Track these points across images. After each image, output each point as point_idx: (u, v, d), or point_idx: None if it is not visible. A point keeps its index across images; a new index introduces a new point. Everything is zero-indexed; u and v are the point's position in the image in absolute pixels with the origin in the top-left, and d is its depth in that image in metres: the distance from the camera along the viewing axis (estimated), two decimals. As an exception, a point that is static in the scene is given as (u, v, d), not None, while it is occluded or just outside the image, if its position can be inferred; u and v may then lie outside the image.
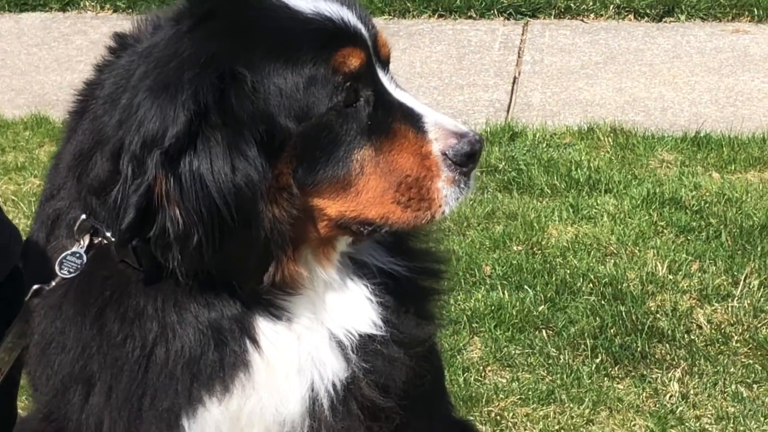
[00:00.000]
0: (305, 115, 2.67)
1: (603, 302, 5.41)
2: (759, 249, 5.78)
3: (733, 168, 6.72)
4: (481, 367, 5.04)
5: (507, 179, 6.60)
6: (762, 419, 4.71)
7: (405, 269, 2.97)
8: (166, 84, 2.61)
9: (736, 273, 5.61)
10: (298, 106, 2.67)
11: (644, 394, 4.88)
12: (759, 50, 8.53)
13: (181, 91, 2.59)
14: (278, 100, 2.66)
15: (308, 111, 2.67)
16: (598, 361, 5.04)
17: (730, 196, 6.30)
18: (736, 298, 5.43)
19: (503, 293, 5.44)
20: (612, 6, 9.08)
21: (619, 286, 5.51)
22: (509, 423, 4.74)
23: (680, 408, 4.79)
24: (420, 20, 9.19)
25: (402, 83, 2.88)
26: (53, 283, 2.85)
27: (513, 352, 5.12)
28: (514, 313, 5.31)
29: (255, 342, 2.78)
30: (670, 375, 4.97)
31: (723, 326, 5.26)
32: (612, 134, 7.14)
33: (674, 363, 5.04)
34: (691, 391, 4.89)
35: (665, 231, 6.04)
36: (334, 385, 2.82)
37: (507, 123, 7.35)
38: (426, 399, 3.12)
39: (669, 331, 5.21)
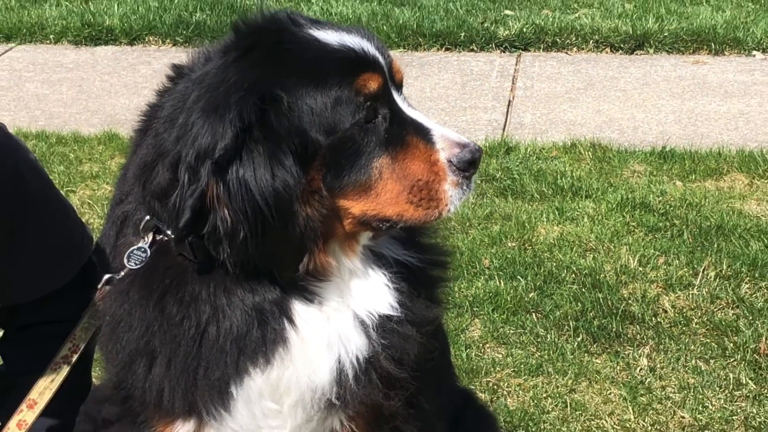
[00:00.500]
0: (332, 129, 2.68)
1: (583, 290, 5.39)
2: (715, 246, 5.75)
3: (693, 177, 6.70)
4: (481, 345, 5.02)
5: (503, 186, 6.58)
6: (717, 389, 4.68)
7: (416, 260, 2.96)
8: (216, 105, 2.62)
9: (695, 266, 5.58)
10: (327, 123, 2.68)
11: (618, 368, 4.85)
12: (716, 78, 8.51)
13: (228, 111, 2.61)
14: (310, 117, 2.67)
15: (335, 126, 2.68)
16: (579, 339, 5.03)
17: (691, 201, 6.28)
18: (696, 287, 5.40)
19: (499, 282, 5.43)
20: (591, 41, 9.06)
21: (597, 277, 5.49)
22: (504, 392, 4.72)
23: (648, 379, 4.77)
24: (430, 53, 9.17)
25: (414, 105, 2.88)
26: (122, 273, 2.85)
27: (508, 331, 5.10)
28: (509, 299, 5.29)
29: (292, 321, 2.78)
30: (640, 351, 4.95)
31: (685, 311, 5.23)
32: (591, 149, 7.11)
33: (643, 341, 5.02)
34: (658, 365, 4.87)
35: (636, 230, 6.02)
36: (357, 358, 2.81)
37: (503, 139, 7.33)
38: (434, 371, 3.10)
39: (639, 315, 5.19)
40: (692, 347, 4.99)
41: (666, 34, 9.02)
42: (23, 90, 8.67)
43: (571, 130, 7.58)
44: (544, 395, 4.71)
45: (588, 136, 7.34)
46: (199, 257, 2.74)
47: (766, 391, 4.72)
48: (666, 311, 5.27)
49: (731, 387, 4.73)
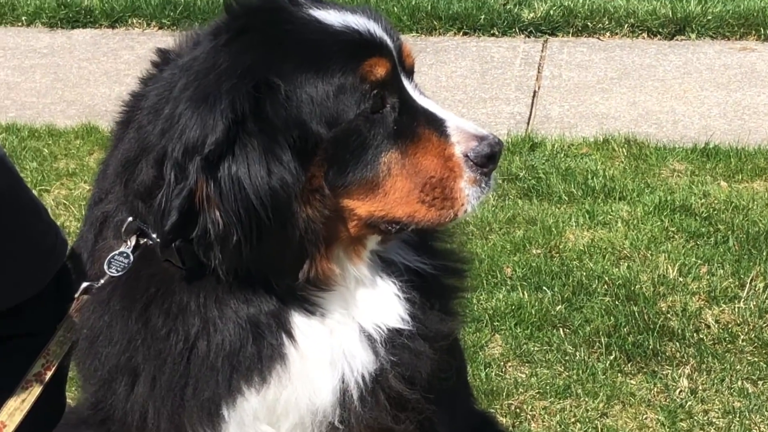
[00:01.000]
0: (335, 121, 2.68)
1: (617, 303, 5.39)
2: (764, 254, 5.75)
3: (740, 177, 6.69)
4: (502, 363, 5.04)
5: (527, 187, 6.59)
6: (766, 413, 4.69)
7: (430, 267, 2.97)
8: (206, 95, 2.63)
9: (742, 276, 5.59)
10: (329, 113, 2.68)
11: (655, 389, 4.86)
12: (765, 67, 8.48)
13: (219, 101, 2.61)
14: (310, 107, 2.68)
15: (338, 117, 2.69)
16: (612, 357, 5.03)
17: (737, 204, 6.27)
18: (743, 300, 5.41)
19: (523, 293, 5.44)
20: (626, 25, 9.04)
21: (632, 288, 5.50)
22: (528, 415, 4.73)
23: (689, 402, 4.78)
24: (446, 37, 9.18)
25: (429, 96, 2.89)
26: (102, 281, 2.86)
27: (532, 348, 5.12)
28: (533, 312, 5.31)
29: (290, 336, 2.79)
30: (679, 371, 4.96)
31: (730, 326, 5.24)
32: (626, 145, 7.11)
33: (684, 360, 5.03)
34: (700, 387, 4.87)
35: (676, 236, 6.02)
36: (363, 377, 2.82)
37: (527, 134, 7.34)
38: (450, 391, 3.12)
39: (679, 330, 5.19)
40: (738, 367, 4.99)
41: (710, 17, 9.00)
42: (-8, 78, 8.69)
43: (603, 124, 7.58)
44: (573, 420, 4.72)
45: (622, 131, 7.35)
46: (188, 263, 2.74)
47: None
48: (709, 327, 5.27)
49: None
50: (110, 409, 2.94)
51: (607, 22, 9.08)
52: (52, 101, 8.26)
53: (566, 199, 6.46)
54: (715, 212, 6.22)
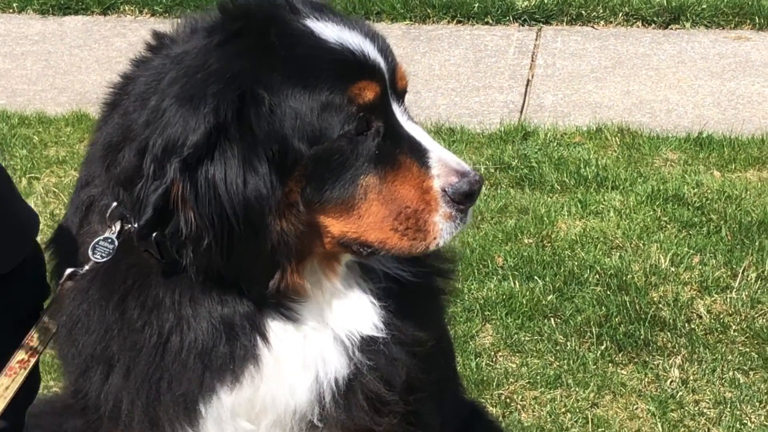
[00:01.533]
0: (317, 139, 2.68)
1: (608, 292, 5.40)
2: (757, 244, 5.76)
3: (733, 167, 6.70)
4: (493, 353, 5.04)
5: (519, 176, 6.59)
6: (757, 404, 4.70)
7: (410, 274, 2.97)
8: (191, 94, 2.63)
9: (734, 266, 5.59)
10: (312, 130, 2.68)
11: (646, 380, 4.87)
12: (760, 56, 8.49)
13: (204, 103, 2.61)
14: (293, 122, 2.67)
15: (321, 135, 2.68)
16: (603, 347, 5.04)
17: (730, 194, 6.27)
18: (735, 290, 5.41)
19: (514, 283, 5.43)
20: (621, 13, 9.03)
21: (624, 278, 5.50)
22: (518, 405, 4.74)
23: (680, 393, 4.79)
24: (439, 26, 9.15)
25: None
26: (86, 267, 2.86)
27: (523, 338, 5.12)
28: (524, 302, 5.31)
29: (265, 338, 2.81)
30: (671, 362, 4.96)
31: (722, 316, 5.24)
32: (619, 134, 7.12)
33: (675, 350, 5.04)
34: (691, 377, 4.88)
35: (668, 226, 6.02)
36: (336, 380, 2.84)
37: (520, 123, 7.33)
38: (437, 382, 3.12)
39: (670, 321, 5.20)
40: (730, 357, 5.00)
41: (704, 6, 9.00)
42: (-17, 65, 8.66)
43: (596, 113, 7.58)
44: (563, 410, 4.72)
45: (615, 120, 7.35)
46: (166, 258, 2.75)
47: None
48: (701, 317, 5.27)
49: None
50: (87, 398, 2.95)
51: (601, 11, 9.07)
52: (42, 88, 8.24)
53: (558, 188, 6.46)
54: (708, 202, 6.22)
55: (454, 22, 9.17)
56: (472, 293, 5.38)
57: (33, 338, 3.28)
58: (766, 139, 7.02)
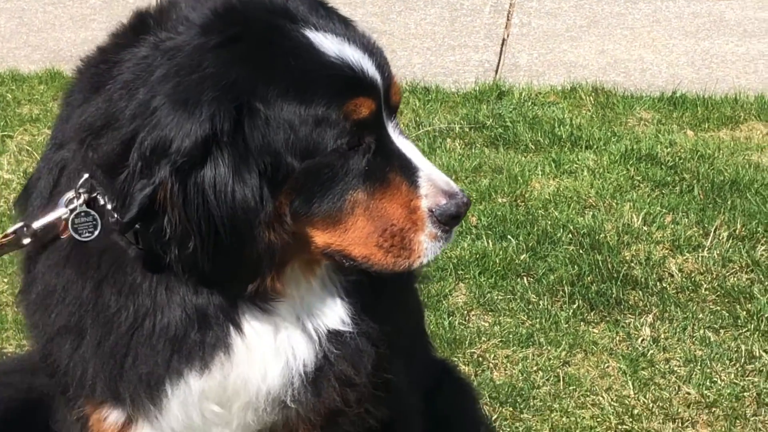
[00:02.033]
0: (310, 153, 2.67)
1: (581, 251, 5.40)
2: (729, 203, 5.76)
3: (706, 126, 6.70)
4: (465, 312, 5.04)
5: (494, 135, 6.58)
6: (727, 362, 4.71)
7: (376, 281, 2.95)
8: (186, 98, 2.60)
9: (706, 225, 5.60)
10: (304, 145, 2.66)
11: (617, 338, 4.88)
12: (734, 15, 8.49)
13: (199, 110, 2.58)
14: (287, 136, 2.66)
15: (313, 150, 2.67)
16: (575, 306, 5.05)
17: (703, 153, 6.28)
18: (707, 249, 5.42)
19: (488, 242, 5.43)
20: None
21: (597, 237, 5.50)
22: (490, 364, 4.74)
23: (651, 351, 4.80)
24: (415, -16, 9.12)
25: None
26: (66, 233, 2.83)
27: (495, 297, 5.12)
28: (498, 261, 5.30)
29: (238, 328, 2.81)
30: (642, 320, 4.98)
31: (693, 275, 5.25)
32: (593, 94, 7.11)
33: (646, 309, 5.05)
34: (662, 336, 4.90)
35: (641, 185, 6.03)
36: (305, 366, 2.85)
37: (495, 82, 7.31)
38: (407, 342, 3.13)
39: (642, 279, 5.21)
40: (700, 316, 5.01)
41: None
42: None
43: (571, 72, 7.57)
44: (535, 368, 4.73)
45: (590, 79, 7.34)
46: (143, 245, 2.74)
47: None
48: (672, 276, 5.29)
49: (743, 360, 4.75)
50: (56, 364, 2.95)
51: None
52: (16, 46, 8.17)
53: (533, 147, 6.45)
54: (681, 161, 6.22)
55: None
56: (446, 252, 5.34)
57: None
58: (739, 98, 7.02)
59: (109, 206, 2.73)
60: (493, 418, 4.44)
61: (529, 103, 6.99)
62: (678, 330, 4.92)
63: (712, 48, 7.96)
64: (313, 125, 2.67)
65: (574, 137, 6.52)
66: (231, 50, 2.67)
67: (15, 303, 4.70)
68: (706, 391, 4.58)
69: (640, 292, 5.15)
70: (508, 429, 4.43)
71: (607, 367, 4.73)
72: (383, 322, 2.97)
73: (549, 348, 4.83)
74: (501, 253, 5.38)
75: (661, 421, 4.46)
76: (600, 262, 5.29)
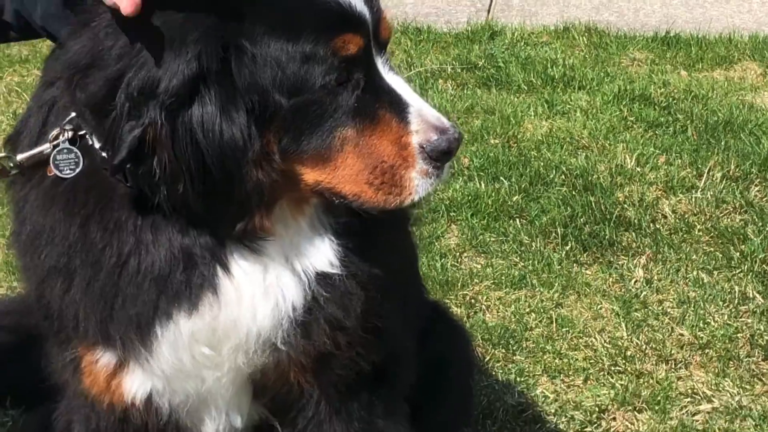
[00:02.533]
0: (298, 90, 2.65)
1: (574, 193, 5.39)
2: (722, 143, 5.75)
3: (700, 66, 6.68)
4: (458, 254, 5.03)
5: (486, 76, 6.55)
6: (721, 303, 4.71)
7: (367, 219, 2.94)
8: (171, 37, 2.59)
9: (700, 166, 5.59)
10: (292, 82, 2.65)
11: (611, 280, 4.87)
12: (728, -46, 8.40)
13: (185, 49, 2.57)
14: (274, 73, 2.65)
15: (301, 87, 2.65)
16: (567, 248, 5.04)
17: (697, 93, 6.26)
18: (700, 190, 5.41)
19: (480, 184, 5.40)
20: None
21: (590, 178, 5.48)
22: (483, 306, 4.73)
23: (644, 293, 4.79)
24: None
25: None
26: (52, 172, 2.82)
27: (488, 239, 5.11)
28: (490, 202, 5.28)
29: (226, 268, 2.81)
30: (635, 262, 4.97)
31: (687, 216, 5.24)
32: (586, 34, 7.08)
33: (639, 250, 5.04)
34: (655, 277, 4.89)
35: (635, 126, 6.01)
36: (294, 308, 2.85)
37: (487, 22, 7.27)
38: (399, 285, 3.14)
39: (635, 221, 5.20)
40: (694, 257, 5.01)
41: None
42: None
43: (564, 12, 7.52)
44: (527, 310, 4.72)
45: (583, 18, 7.31)
46: (131, 184, 2.73)
47: None
48: (666, 217, 5.27)
49: (736, 301, 4.74)
50: (48, 306, 2.95)
51: None
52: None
53: (525, 88, 6.43)
54: (675, 102, 6.20)
55: None
56: (438, 194, 5.33)
57: None
58: (733, 38, 7.00)
59: (97, 145, 2.73)
60: (486, 360, 4.44)
61: (522, 44, 6.97)
62: (671, 271, 4.92)
63: None
64: (301, 62, 2.65)
65: (567, 78, 6.51)
66: None
67: (6, 245, 4.71)
68: (699, 333, 4.57)
69: (633, 234, 5.15)
70: (501, 371, 4.42)
71: (600, 308, 4.72)
72: (374, 264, 2.97)
73: (541, 290, 4.82)
74: (493, 194, 5.36)
75: (654, 362, 4.46)
76: (593, 204, 5.28)
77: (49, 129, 2.87)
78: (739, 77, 6.56)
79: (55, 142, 2.81)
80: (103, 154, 2.71)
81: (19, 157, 2.87)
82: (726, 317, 4.66)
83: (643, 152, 5.69)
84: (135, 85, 2.58)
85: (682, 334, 4.56)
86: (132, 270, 2.80)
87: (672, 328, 4.60)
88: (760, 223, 5.18)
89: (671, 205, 5.31)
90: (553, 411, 4.25)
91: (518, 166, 5.59)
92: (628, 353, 4.48)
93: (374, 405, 3.17)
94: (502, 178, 5.48)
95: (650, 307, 4.69)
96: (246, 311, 2.85)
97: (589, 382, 4.38)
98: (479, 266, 4.97)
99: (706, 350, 4.49)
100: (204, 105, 2.60)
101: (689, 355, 4.48)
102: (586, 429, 4.17)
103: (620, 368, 4.42)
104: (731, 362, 4.44)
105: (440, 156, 2.73)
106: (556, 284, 4.83)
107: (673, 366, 4.44)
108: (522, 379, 4.38)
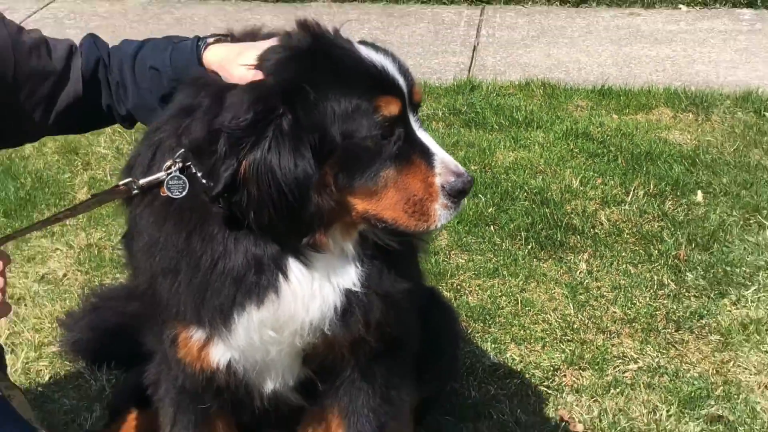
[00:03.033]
0: (349, 134, 2.64)
1: (533, 206, 5.34)
2: (644, 169, 5.71)
3: (627, 111, 6.62)
4: (447, 252, 4.98)
5: (468, 119, 6.50)
6: (644, 289, 4.67)
7: (396, 243, 2.94)
8: (255, 88, 2.64)
9: (627, 186, 5.54)
10: (344, 126, 2.64)
11: (561, 271, 4.83)
12: (647, 28, 8.38)
13: (267, 96, 2.61)
14: (330, 117, 2.63)
15: (351, 131, 2.64)
16: (529, 247, 4.99)
17: (625, 131, 6.21)
18: (628, 204, 5.35)
19: (464, 199, 5.34)
20: None
21: (545, 195, 5.44)
22: (466, 291, 4.69)
23: (586, 281, 4.75)
24: (409, 5, 9.00)
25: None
26: (165, 192, 2.84)
27: (470, 240, 5.07)
28: (471, 213, 5.24)
29: (285, 275, 2.80)
30: (579, 257, 4.92)
31: (618, 223, 5.19)
32: (542, 87, 7.02)
33: (583, 249, 4.99)
34: (595, 269, 4.84)
35: (578, 156, 5.95)
36: (335, 307, 2.86)
37: (468, 79, 7.22)
38: (409, 293, 3.12)
39: (580, 227, 5.15)
40: (623, 254, 4.96)
41: None
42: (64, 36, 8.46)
43: (525, 71, 7.46)
44: (499, 294, 4.68)
45: (540, 76, 7.24)
46: (224, 207, 2.74)
47: (683, 290, 4.70)
48: (602, 224, 5.22)
49: (655, 287, 4.70)
50: (154, 296, 2.95)
51: None
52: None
53: (497, 128, 6.37)
54: (608, 137, 6.15)
55: (420, 2, 9.00)
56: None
57: (77, 209, 3.20)
58: (651, 90, 6.95)
59: (199, 175, 2.73)
60: (469, 332, 4.40)
61: (494, 95, 6.90)
62: (606, 265, 4.87)
63: (631, 52, 7.85)
64: (351, 111, 2.64)
65: (528, 120, 6.45)
66: (290, 54, 2.72)
67: (117, 247, 4.67)
68: (627, 311, 4.54)
69: (578, 237, 5.10)
70: (480, 340, 4.39)
71: (554, 293, 4.68)
72: (389, 284, 2.96)
73: (510, 279, 4.78)
74: (473, 207, 5.31)
75: (594, 333, 4.43)
76: (548, 214, 5.23)
77: (157, 163, 2.86)
78: (656, 119, 6.51)
79: (168, 171, 2.80)
80: (203, 181, 2.71)
81: (141, 181, 2.87)
82: (648, 299, 4.63)
83: (585, 175, 5.64)
84: (229, 135, 2.58)
85: (615, 312, 4.53)
86: (219, 271, 2.80)
87: (608, 307, 4.56)
88: (672, 229, 5.15)
89: (606, 215, 5.25)
90: (519, 370, 4.22)
91: (492, 186, 5.54)
92: (575, 326, 4.45)
93: (391, 367, 3.16)
94: (480, 195, 5.42)
95: (591, 291, 4.65)
96: (300, 307, 2.84)
97: (545, 348, 4.35)
98: (463, 261, 4.92)
99: (633, 324, 4.47)
100: (279, 144, 2.59)
101: (620, 328, 4.45)
102: (544, 383, 4.14)
103: (569, 338, 4.39)
104: (652, 333, 4.42)
105: (457, 194, 2.70)
106: (521, 275, 4.79)
107: (608, 335, 4.41)
108: (495, 346, 4.34)
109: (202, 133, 2.68)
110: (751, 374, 4.16)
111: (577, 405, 4.00)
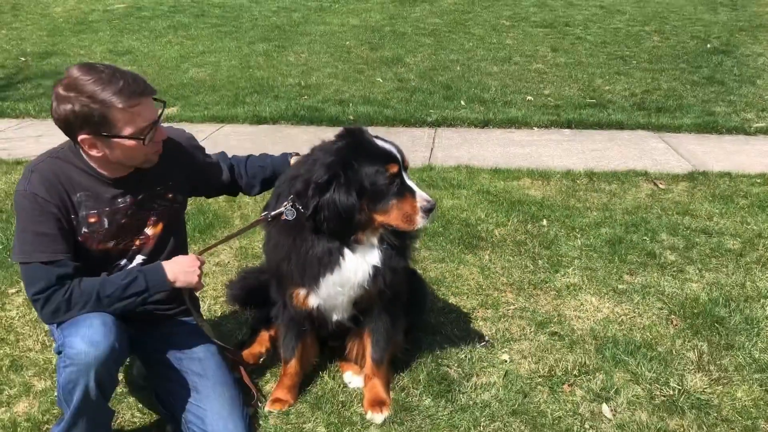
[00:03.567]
0: (374, 183, 2.61)
1: (461, 227, 5.11)
2: (517, 208, 5.44)
3: (509, 179, 5.95)
4: (420, 249, 4.76)
5: (428, 184, 6.13)
6: (518, 268, 4.56)
7: (397, 241, 2.84)
8: (325, 161, 2.60)
9: (508, 216, 5.31)
10: (371, 180, 2.60)
11: (476, 259, 4.66)
12: (519, 138, 7.52)
13: (332, 165, 2.58)
14: (365, 177, 2.59)
15: (375, 182, 2.61)
16: (460, 247, 4.81)
17: (508, 189, 5.58)
18: (508, 226, 5.16)
19: (432, 215, 4.75)
20: (467, 122, 8.62)
21: (467, 221, 5.19)
22: (429, 269, 4.56)
23: (488, 264, 4.60)
24: (396, 128, 8.56)
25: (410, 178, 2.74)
26: (284, 218, 2.71)
27: (430, 244, 4.90)
28: (431, 230, 5.03)
29: (342, 257, 2.74)
30: (485, 253, 4.76)
31: (504, 235, 5.04)
32: (466, 168, 6.09)
33: (486, 248, 4.83)
34: (493, 259, 4.68)
35: (484, 202, 5.34)
36: (369, 275, 2.77)
37: (429, 164, 6.97)
38: (406, 267, 3.02)
39: (485, 237, 4.95)
40: (507, 251, 4.78)
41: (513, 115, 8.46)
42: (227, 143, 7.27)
43: (458, 161, 6.69)
44: (447, 271, 4.53)
45: (465, 163, 6.63)
46: (311, 222, 2.67)
47: (538, 268, 4.56)
48: (496, 236, 4.99)
49: (524, 268, 4.56)
50: (279, 272, 2.85)
51: (461, 123, 8.71)
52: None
53: (443, 188, 6.15)
54: (499, 193, 5.48)
55: (403, 125, 8.76)
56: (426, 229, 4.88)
57: (234, 234, 2.98)
58: (520, 168, 6.15)
59: (300, 208, 2.68)
60: (431, 291, 4.24)
61: (443, 172, 6.63)
62: (498, 257, 4.71)
63: (510, 151, 7.40)
64: (375, 172, 2.61)
65: (459, 184, 5.73)
66: (342, 144, 2.66)
67: (258, 248, 4.46)
68: (509, 280, 4.41)
69: (484, 242, 4.89)
70: (436, 295, 4.26)
71: (472, 271, 4.53)
72: (396, 263, 2.84)
73: (450, 263, 4.63)
74: (432, 228, 5.06)
75: (493, 291, 4.30)
76: (469, 231, 5.02)
77: (280, 202, 2.74)
78: (523, 184, 6.06)
79: (286, 206, 2.74)
80: (302, 210, 2.66)
81: (273, 213, 2.78)
82: (519, 273, 4.48)
83: (488, 212, 5.20)
84: (314, 187, 2.58)
85: (503, 280, 4.40)
86: (311, 257, 2.73)
87: (499, 277, 4.45)
88: (531, 239, 4.99)
89: (498, 231, 4.98)
90: (455, 309, 4.09)
91: (441, 217, 5.24)
92: (483, 288, 4.31)
93: (395, 307, 3.04)
94: (436, 222, 5.25)
95: (491, 270, 4.54)
96: (351, 275, 2.75)
97: (468, 298, 4.24)
98: (427, 254, 4.76)
99: (512, 286, 4.34)
100: (339, 192, 2.57)
101: (506, 288, 4.33)
102: (468, 316, 4.02)
103: (480, 294, 4.27)
104: (521, 291, 4.29)
105: (428, 211, 2.65)
106: (455, 261, 4.64)
107: (500, 292, 4.33)
108: (443, 297, 4.24)
109: (302, 187, 2.67)
110: (572, 311, 4.11)
111: (484, 327, 3.93)
